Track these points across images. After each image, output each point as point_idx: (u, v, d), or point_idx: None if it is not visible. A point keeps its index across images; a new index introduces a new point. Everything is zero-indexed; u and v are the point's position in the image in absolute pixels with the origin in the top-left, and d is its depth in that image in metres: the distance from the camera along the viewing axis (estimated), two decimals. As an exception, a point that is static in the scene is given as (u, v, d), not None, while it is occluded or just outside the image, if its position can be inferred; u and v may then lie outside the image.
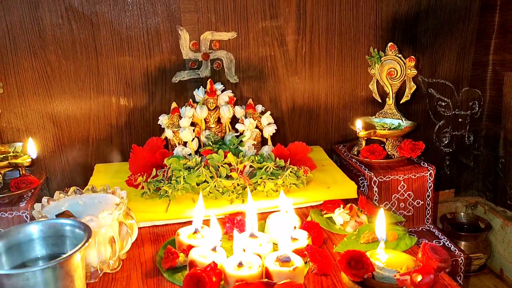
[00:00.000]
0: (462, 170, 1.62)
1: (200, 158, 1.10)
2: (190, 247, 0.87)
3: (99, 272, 0.85)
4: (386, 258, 0.76)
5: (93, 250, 0.83)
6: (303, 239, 0.89)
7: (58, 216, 0.82)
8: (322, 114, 1.44)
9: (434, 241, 1.16)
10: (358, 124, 1.21)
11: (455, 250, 1.14)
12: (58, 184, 1.31)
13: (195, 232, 0.92)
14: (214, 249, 0.85)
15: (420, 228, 1.23)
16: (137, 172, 1.12)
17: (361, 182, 1.23)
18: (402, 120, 1.27)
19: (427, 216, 1.23)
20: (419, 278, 0.67)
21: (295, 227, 0.88)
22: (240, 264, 0.80)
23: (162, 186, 1.05)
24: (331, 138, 1.46)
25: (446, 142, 1.57)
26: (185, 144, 1.16)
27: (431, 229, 1.23)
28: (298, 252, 0.86)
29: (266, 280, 0.75)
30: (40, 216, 0.84)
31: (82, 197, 0.93)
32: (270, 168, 1.09)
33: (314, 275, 0.85)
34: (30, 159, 1.12)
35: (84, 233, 0.70)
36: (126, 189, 1.10)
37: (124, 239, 0.88)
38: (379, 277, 0.73)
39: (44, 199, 0.90)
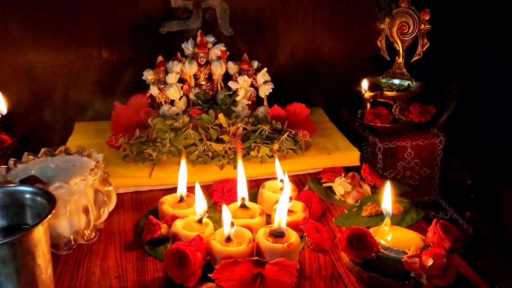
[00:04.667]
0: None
1: (189, 118, 0.99)
2: (174, 217, 0.78)
3: (73, 243, 0.77)
4: (392, 236, 0.68)
5: (64, 219, 0.74)
6: (299, 211, 0.80)
7: (23, 181, 0.73)
8: (324, 73, 1.32)
9: (440, 213, 1.08)
10: (364, 84, 1.10)
11: (463, 223, 1.06)
12: (35, 143, 1.21)
13: (181, 201, 0.83)
14: (199, 221, 0.76)
15: (426, 199, 1.15)
16: (119, 133, 1.02)
17: (364, 148, 1.13)
18: (412, 81, 1.16)
19: (434, 186, 1.15)
20: (430, 262, 0.59)
21: (291, 198, 0.79)
22: (228, 239, 0.72)
23: (146, 149, 0.95)
24: (333, 100, 1.34)
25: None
26: (172, 102, 1.05)
27: (437, 200, 1.15)
28: (293, 225, 0.78)
29: (256, 258, 0.66)
30: (4, 181, 0.75)
31: (55, 160, 0.84)
32: (265, 131, 0.99)
33: (311, 251, 0.77)
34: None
35: (47, 203, 0.61)
36: (107, 151, 1.01)
37: (100, 207, 0.79)
38: (384, 257, 0.65)
39: (11, 161, 0.80)
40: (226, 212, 0.71)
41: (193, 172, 0.95)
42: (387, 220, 0.71)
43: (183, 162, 0.83)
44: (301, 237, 0.78)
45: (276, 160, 0.86)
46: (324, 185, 0.95)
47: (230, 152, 0.97)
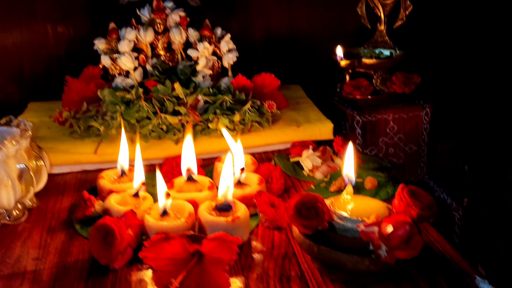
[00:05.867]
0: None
1: (142, 90, 0.90)
2: (112, 193, 0.69)
3: (-5, 223, 0.67)
4: (353, 206, 0.57)
5: (-21, 195, 0.65)
6: (254, 184, 0.70)
7: None
8: (303, 47, 1.22)
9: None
10: (339, 51, 0.99)
11: (451, 203, 0.95)
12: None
13: (122, 175, 0.73)
14: (136, 195, 0.66)
15: (413, 180, 1.04)
16: (71, 108, 0.93)
17: (343, 124, 1.03)
18: (395, 49, 1.05)
19: (421, 165, 1.03)
20: (389, 229, 0.48)
21: (242, 169, 0.69)
22: (164, 213, 0.62)
23: (93, 124, 0.86)
24: (313, 76, 1.24)
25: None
26: (127, 74, 0.95)
27: (425, 180, 1.03)
28: (246, 200, 0.68)
29: (191, 233, 0.56)
30: None
31: (-17, 132, 0.75)
32: (226, 102, 0.89)
33: (266, 229, 0.66)
34: None
35: None
36: (55, 128, 0.92)
37: (26, 184, 0.69)
38: (341, 229, 0.55)
39: None
40: (159, 179, 0.61)
41: (146, 147, 0.86)
42: (349, 188, 0.60)
43: (123, 131, 0.73)
44: (257, 214, 0.68)
45: (223, 130, 0.76)
46: (292, 160, 0.85)
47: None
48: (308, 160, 0.81)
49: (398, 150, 1.01)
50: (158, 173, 0.62)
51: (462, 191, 1.29)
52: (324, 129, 0.91)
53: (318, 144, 0.87)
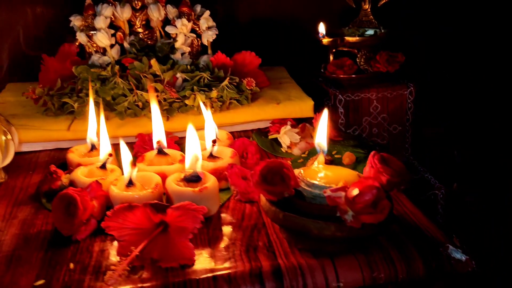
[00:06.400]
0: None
1: (118, 67, 0.88)
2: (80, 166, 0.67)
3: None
4: (324, 175, 0.55)
5: None
6: (227, 157, 0.68)
7: None
8: (288, 29, 1.20)
9: (413, 176, 0.95)
10: (321, 28, 0.97)
11: (435, 182, 0.93)
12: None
13: (92, 150, 0.72)
14: (103, 167, 0.64)
15: (397, 160, 1.02)
16: (48, 87, 0.91)
17: (327, 103, 1.01)
18: (380, 29, 1.03)
19: (406, 146, 1.01)
20: (355, 191, 0.46)
21: (214, 142, 0.67)
22: (129, 183, 0.60)
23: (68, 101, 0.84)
24: (299, 58, 1.22)
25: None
26: (105, 52, 0.93)
27: (410, 161, 1.02)
28: (218, 173, 0.66)
29: (155, 201, 0.54)
30: None
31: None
32: (204, 79, 0.87)
33: (237, 202, 0.65)
34: None
35: None
36: (30, 106, 0.90)
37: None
38: (310, 197, 0.53)
39: None
40: (124, 148, 0.59)
41: (121, 125, 0.84)
42: (321, 158, 0.58)
43: (92, 105, 0.71)
44: (229, 189, 0.66)
45: (200, 103, 0.74)
46: (270, 137, 0.83)
47: (165, 103, 0.86)
48: (286, 136, 0.79)
49: (382, 130, 0.99)
50: (122, 143, 0.60)
51: (452, 175, 1.27)
52: (304, 107, 0.89)
53: (299, 122, 0.85)
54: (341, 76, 0.99)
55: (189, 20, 0.92)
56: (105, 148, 0.64)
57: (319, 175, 0.55)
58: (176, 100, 0.85)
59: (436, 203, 0.89)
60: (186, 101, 0.84)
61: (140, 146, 0.75)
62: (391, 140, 1.00)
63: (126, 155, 0.59)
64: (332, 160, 0.74)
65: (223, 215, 0.61)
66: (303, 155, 0.77)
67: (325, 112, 0.60)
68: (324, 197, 0.50)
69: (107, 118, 0.85)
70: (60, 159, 0.81)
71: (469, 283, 0.54)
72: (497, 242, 1.03)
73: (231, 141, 0.76)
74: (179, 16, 0.93)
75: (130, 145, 0.66)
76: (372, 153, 0.54)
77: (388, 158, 0.54)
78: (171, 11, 0.94)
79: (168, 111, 0.85)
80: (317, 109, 0.91)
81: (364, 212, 0.47)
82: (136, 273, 0.50)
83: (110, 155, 0.64)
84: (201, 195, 0.58)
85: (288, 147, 0.80)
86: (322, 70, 1.05)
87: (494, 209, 1.20)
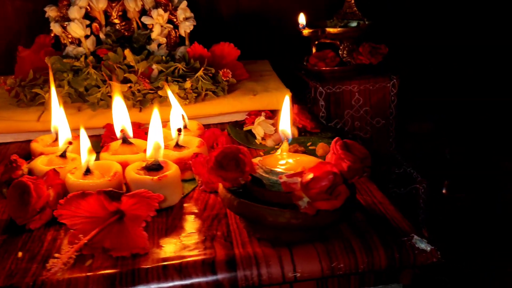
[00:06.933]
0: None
1: (92, 57, 0.86)
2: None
3: None
4: (285, 163, 0.53)
5: None
6: (193, 147, 0.66)
7: None
8: (274, 23, 1.18)
9: (392, 167, 0.93)
10: (301, 19, 0.95)
11: (417, 176, 0.90)
12: None
13: (57, 139, 0.70)
14: (62, 155, 0.62)
15: (381, 155, 0.99)
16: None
17: (308, 96, 0.98)
18: (364, 21, 1.01)
19: (390, 140, 0.99)
20: (309, 176, 0.44)
21: (179, 130, 0.65)
22: (87, 171, 0.58)
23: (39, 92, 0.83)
24: (282, 51, 1.20)
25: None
26: (79, 43, 0.92)
27: (394, 155, 0.99)
28: (183, 163, 0.64)
29: (109, 189, 0.52)
30: None
31: None
32: (179, 70, 0.85)
33: (202, 193, 0.62)
34: None
35: None
36: (3, 98, 0.89)
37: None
38: (268, 184, 0.50)
39: None
40: (83, 135, 0.57)
41: (93, 116, 0.82)
42: (284, 145, 0.56)
43: (54, 93, 0.69)
44: (194, 179, 0.64)
45: (169, 91, 0.72)
46: (245, 128, 0.81)
47: (138, 95, 0.84)
48: (260, 127, 0.77)
49: (365, 124, 0.96)
50: (82, 131, 0.58)
51: (442, 173, 1.25)
52: (282, 98, 0.86)
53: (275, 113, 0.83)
54: (323, 68, 0.97)
55: (165, 11, 0.91)
56: (64, 137, 0.63)
57: (280, 162, 0.53)
58: (150, 91, 0.83)
59: (418, 197, 0.87)
60: (160, 92, 0.82)
61: (108, 136, 0.73)
62: (374, 134, 0.98)
63: (84, 143, 0.58)
64: (304, 152, 0.71)
65: (185, 205, 0.59)
66: (276, 147, 0.75)
67: (287, 99, 0.58)
68: (279, 182, 0.48)
69: (79, 109, 0.84)
70: (29, 151, 0.79)
71: (437, 273, 0.52)
72: (479, 237, 1.00)
73: (202, 131, 0.74)
74: (156, 6, 0.92)
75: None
76: (335, 139, 0.52)
77: (352, 144, 0.51)
78: (148, 1, 0.92)
79: (141, 102, 0.83)
80: (301, 102, 0.89)
81: (319, 199, 0.44)
82: (85, 262, 0.48)
83: (70, 143, 0.62)
84: (160, 184, 0.56)
85: (263, 138, 0.78)
86: (304, 63, 1.03)
87: (483, 206, 1.17)
